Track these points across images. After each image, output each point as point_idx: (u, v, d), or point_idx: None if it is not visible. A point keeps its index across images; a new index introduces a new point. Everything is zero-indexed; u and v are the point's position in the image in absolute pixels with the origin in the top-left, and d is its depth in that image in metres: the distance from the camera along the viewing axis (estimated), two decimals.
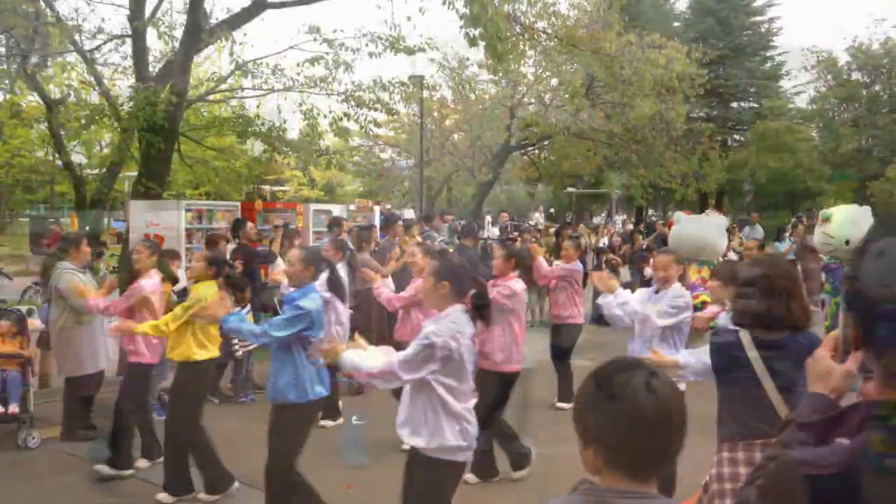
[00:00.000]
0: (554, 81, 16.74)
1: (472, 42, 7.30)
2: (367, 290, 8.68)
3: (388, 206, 24.83)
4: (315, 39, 11.28)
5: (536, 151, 23.58)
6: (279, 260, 8.93)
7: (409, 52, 11.28)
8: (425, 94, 26.96)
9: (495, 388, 6.06)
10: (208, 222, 11.50)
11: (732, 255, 14.81)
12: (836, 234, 8.46)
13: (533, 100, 19.74)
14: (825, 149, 42.29)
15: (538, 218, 29.77)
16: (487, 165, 21.79)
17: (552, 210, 44.55)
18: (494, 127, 19.31)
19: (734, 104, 49.35)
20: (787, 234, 15.31)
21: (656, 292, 5.85)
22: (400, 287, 9.04)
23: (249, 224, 8.80)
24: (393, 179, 29.11)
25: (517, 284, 6.38)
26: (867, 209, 8.94)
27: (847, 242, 8.05)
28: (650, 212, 55.25)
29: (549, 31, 10.78)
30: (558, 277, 8.70)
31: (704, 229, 9.72)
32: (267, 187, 37.07)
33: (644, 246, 13.69)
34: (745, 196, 40.83)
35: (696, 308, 10.72)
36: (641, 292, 6.14)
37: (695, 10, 48.73)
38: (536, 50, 12.28)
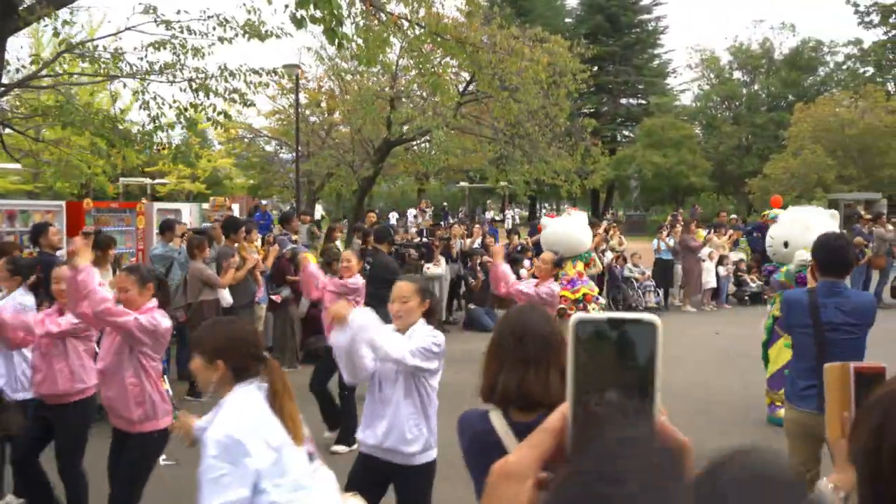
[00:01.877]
0: (413, 73, 16.08)
1: (299, 24, 6.48)
2: (200, 303, 7.75)
3: (264, 203, 23.67)
4: (155, 21, 10.18)
5: (422, 146, 22.83)
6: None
7: (262, 37, 10.34)
8: (311, 85, 26.09)
9: None
10: (24, 225, 10.16)
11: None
12: (775, 234, 7.65)
13: (413, 92, 19.00)
14: (708, 145, 43.49)
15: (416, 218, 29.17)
16: (369, 160, 20.92)
17: (445, 205, 44.16)
18: (373, 120, 18.45)
19: (623, 101, 50.27)
20: (666, 232, 15.10)
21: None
22: (239, 297, 8.15)
23: (52, 228, 7.68)
24: (274, 173, 27.87)
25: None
26: (817, 209, 8.09)
27: (786, 244, 7.24)
28: (545, 207, 55.76)
29: (412, 17, 10.07)
30: (332, 294, 6.84)
31: (570, 227, 10.10)
32: (146, 181, 35.27)
33: (519, 247, 13.21)
34: (632, 191, 41.49)
35: (576, 301, 10.54)
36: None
37: (585, 8, 49.33)
38: (400, 38, 11.52)
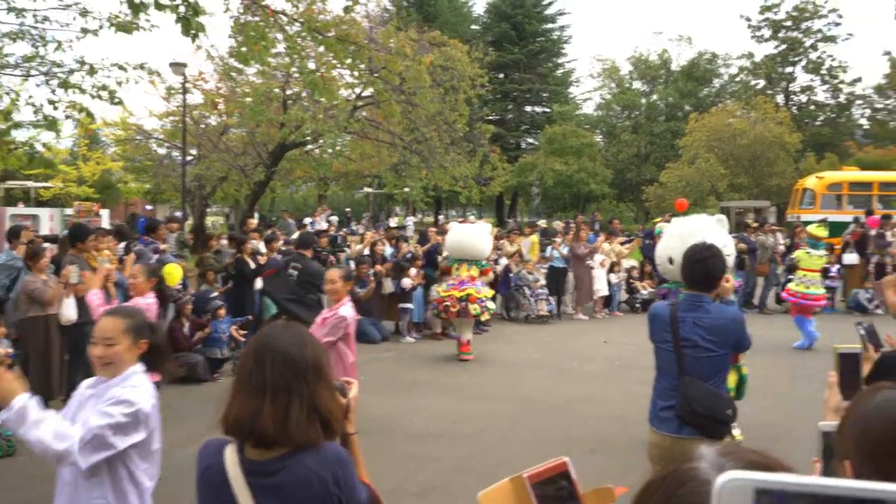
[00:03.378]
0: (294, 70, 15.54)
1: (137, 10, 5.91)
2: (34, 319, 7.01)
3: (149, 207, 22.59)
4: (6, 10, 9.33)
5: (318, 150, 22.19)
6: None
7: (127, 30, 9.61)
8: (209, 85, 25.05)
9: None
10: None
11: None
12: (660, 251, 7.07)
13: (305, 94, 18.38)
14: (608, 154, 44.32)
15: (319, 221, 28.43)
16: (262, 164, 20.16)
17: (348, 210, 43.51)
18: (266, 122, 17.75)
19: (528, 108, 50.74)
20: (561, 240, 15.00)
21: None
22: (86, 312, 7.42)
23: None
24: (164, 177, 26.66)
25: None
26: (701, 218, 7.59)
27: (671, 261, 6.62)
28: (452, 213, 55.69)
29: (292, 13, 9.55)
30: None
31: (471, 234, 10.81)
32: (30, 184, 33.27)
33: (409, 254, 12.81)
34: (534, 198, 41.82)
35: (460, 300, 10.40)
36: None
37: (491, 15, 49.60)
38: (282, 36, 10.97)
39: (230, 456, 2.07)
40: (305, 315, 8.84)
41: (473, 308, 10.28)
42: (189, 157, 23.05)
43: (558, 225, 20.40)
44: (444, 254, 12.05)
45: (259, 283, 10.56)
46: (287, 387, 2.05)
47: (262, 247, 11.22)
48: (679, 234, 6.79)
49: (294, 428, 2.02)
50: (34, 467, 5.57)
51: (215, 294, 10.15)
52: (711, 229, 6.67)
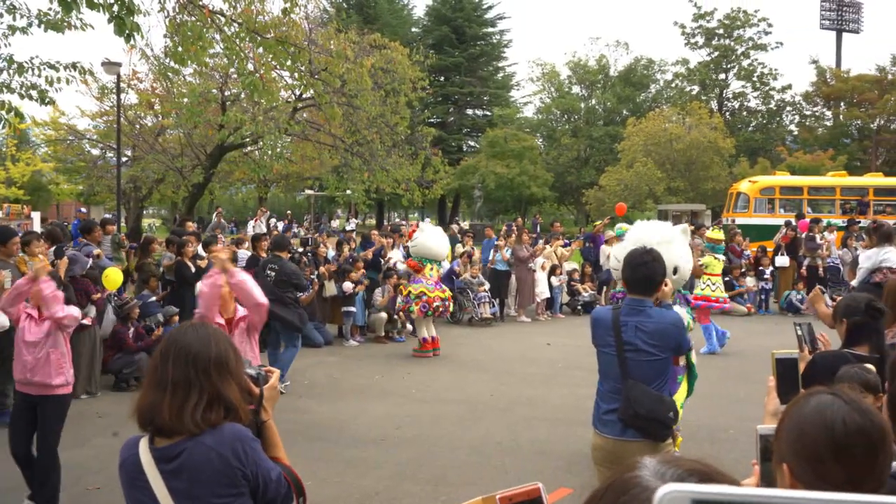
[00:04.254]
0: (232, 70, 15.31)
1: (68, 8, 5.72)
2: None
3: (83, 209, 21.97)
4: None
5: (259, 152, 21.88)
6: None
7: (58, 28, 9.32)
8: (144, 85, 24.49)
9: None
10: None
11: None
12: (619, 254, 6.43)
13: (244, 95, 18.11)
14: (548, 157, 44.81)
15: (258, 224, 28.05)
16: (201, 165, 19.80)
17: (288, 213, 43.05)
18: (202, 123, 17.43)
19: (469, 111, 51.00)
20: (503, 243, 15.07)
21: None
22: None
23: None
24: (98, 178, 25.96)
25: None
26: (664, 225, 6.90)
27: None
28: (394, 215, 55.58)
29: (229, 14, 9.39)
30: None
31: (440, 235, 11.53)
32: None
33: (350, 259, 12.72)
34: (476, 201, 42.02)
35: (444, 300, 10.92)
36: None
37: (432, 19, 49.69)
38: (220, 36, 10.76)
39: (143, 446, 2.24)
40: (285, 314, 9.05)
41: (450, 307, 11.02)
42: (124, 159, 22.51)
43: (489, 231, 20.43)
44: (411, 248, 11.84)
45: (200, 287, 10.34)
46: (187, 381, 2.21)
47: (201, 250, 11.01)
48: (636, 241, 6.41)
49: (189, 418, 2.18)
50: None
51: (153, 299, 9.92)
52: (678, 241, 6.25)
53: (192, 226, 11.99)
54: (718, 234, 12.67)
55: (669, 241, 5.90)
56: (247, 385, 2.39)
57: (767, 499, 0.69)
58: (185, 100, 17.32)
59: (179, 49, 9.54)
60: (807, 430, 1.62)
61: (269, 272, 9.05)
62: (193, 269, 10.05)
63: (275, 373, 2.54)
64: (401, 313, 12.17)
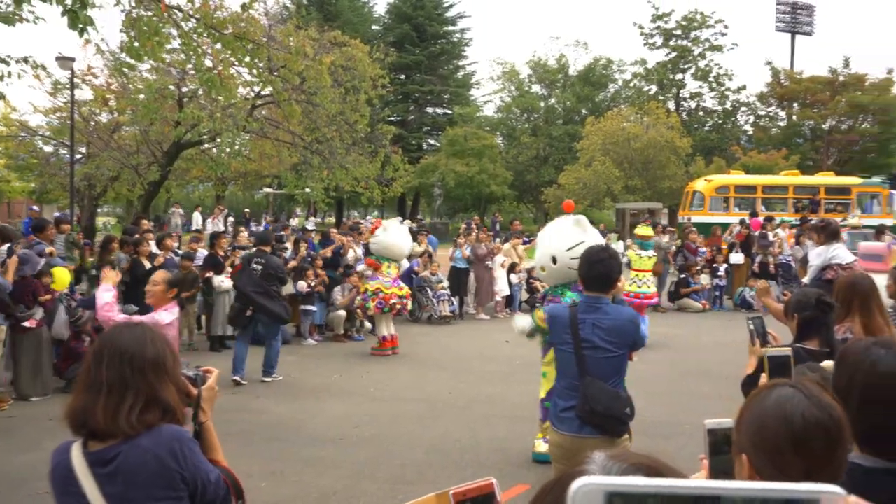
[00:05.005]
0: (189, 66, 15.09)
1: (19, 0, 5.60)
2: None
3: (35, 207, 21.49)
4: None
5: (216, 149, 21.57)
6: None
7: (8, 21, 9.10)
8: (99, 81, 23.95)
9: None
10: None
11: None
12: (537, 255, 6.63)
13: (202, 92, 17.84)
14: (508, 156, 44.99)
15: (216, 222, 27.76)
16: (157, 163, 19.48)
17: (246, 211, 42.61)
18: (159, 120, 17.14)
19: (429, 109, 50.95)
20: (463, 241, 15.10)
21: None
22: None
23: None
24: (51, 176, 25.37)
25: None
26: (565, 219, 6.88)
27: (554, 260, 6.18)
28: (354, 213, 55.35)
29: (187, 9, 9.26)
30: None
31: (406, 234, 11.48)
32: None
33: (309, 257, 12.63)
34: (435, 199, 42.03)
35: (401, 297, 10.94)
36: None
37: (392, 17, 49.52)
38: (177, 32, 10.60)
39: (76, 451, 2.16)
40: (272, 306, 9.31)
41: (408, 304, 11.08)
42: (78, 156, 22.04)
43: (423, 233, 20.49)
44: (372, 246, 11.68)
45: None
46: (123, 383, 2.15)
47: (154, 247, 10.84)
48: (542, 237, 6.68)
49: (124, 421, 2.11)
50: None
51: None
52: (566, 229, 6.42)
53: (146, 224, 11.80)
54: (647, 231, 12.80)
55: (559, 231, 6.27)
56: (185, 386, 2.34)
57: (678, 489, 0.71)
58: (142, 96, 17.01)
59: (136, 44, 9.40)
60: (767, 422, 1.65)
61: (255, 266, 9.29)
62: (149, 267, 9.90)
63: (213, 373, 2.49)
64: (359, 311, 12.13)
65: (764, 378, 2.26)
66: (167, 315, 5.09)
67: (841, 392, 2.05)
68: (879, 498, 1.57)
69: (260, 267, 9.25)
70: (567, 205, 19.22)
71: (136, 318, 4.95)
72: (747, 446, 1.66)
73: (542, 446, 6.07)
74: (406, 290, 11.53)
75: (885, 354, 2.02)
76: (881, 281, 4.88)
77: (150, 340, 2.26)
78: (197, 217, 31.15)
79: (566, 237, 6.22)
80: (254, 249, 9.92)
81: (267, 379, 9.29)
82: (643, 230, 12.78)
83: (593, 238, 6.30)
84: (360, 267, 12.27)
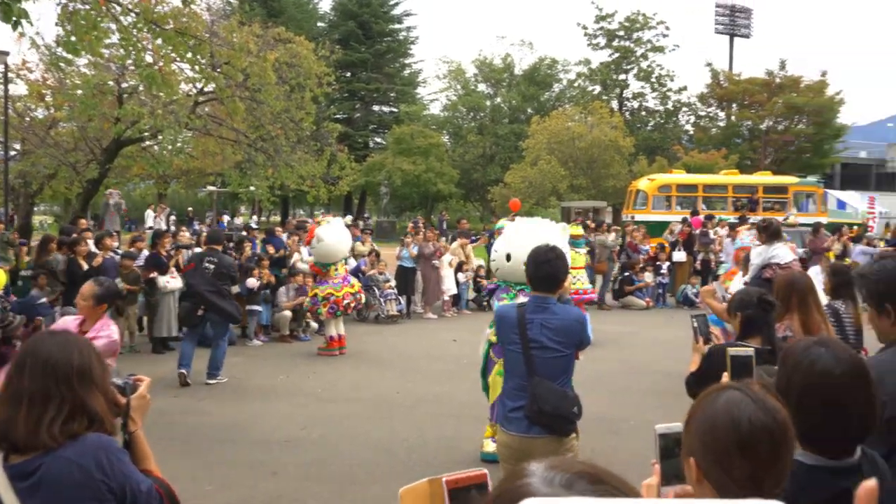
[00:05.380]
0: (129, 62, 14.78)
1: None
2: None
3: None
4: None
5: (158, 146, 21.12)
6: None
7: None
8: (34, 76, 23.22)
9: None
10: None
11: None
12: (499, 247, 6.53)
13: (142, 88, 17.45)
14: (455, 154, 45.07)
15: (158, 221, 27.22)
16: (96, 161, 18.99)
17: (189, 210, 41.91)
18: (97, 116, 16.70)
19: (376, 108, 50.73)
20: (410, 240, 15.09)
21: None
22: None
23: None
24: None
25: None
26: (544, 221, 7.04)
27: (508, 258, 6.18)
28: (299, 211, 54.81)
29: (126, 3, 9.05)
30: None
31: (332, 240, 10.93)
32: None
33: (255, 256, 12.46)
34: (382, 198, 41.91)
35: (316, 298, 10.68)
36: None
37: (338, 13, 49.14)
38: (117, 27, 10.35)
39: None
40: (225, 305, 9.25)
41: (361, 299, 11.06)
42: (12, 153, 21.38)
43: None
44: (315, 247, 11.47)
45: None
46: (45, 393, 2.07)
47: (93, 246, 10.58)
48: (518, 233, 6.46)
49: (45, 432, 2.03)
50: None
51: (44, 300, 9.46)
52: (555, 238, 6.06)
53: (84, 223, 11.49)
54: (577, 230, 12.99)
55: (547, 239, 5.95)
56: (113, 396, 2.26)
57: None
58: (80, 92, 16.57)
59: (73, 38, 9.16)
60: (715, 425, 1.68)
61: (207, 265, 9.27)
62: (86, 268, 9.65)
63: (144, 381, 2.41)
64: (308, 314, 12.03)
65: (726, 377, 2.30)
66: (115, 329, 5.00)
67: (782, 392, 2.11)
68: (821, 494, 1.63)
69: (212, 266, 9.24)
70: (513, 203, 19.34)
71: (105, 335, 4.81)
72: (696, 449, 1.69)
73: (490, 446, 6.10)
74: (357, 284, 11.47)
75: (823, 353, 2.06)
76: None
77: (75, 348, 2.19)
78: (149, 214, 30.83)
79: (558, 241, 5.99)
80: (205, 248, 9.86)
81: (211, 381, 9.14)
82: (573, 229, 12.95)
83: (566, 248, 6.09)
84: (305, 268, 12.16)
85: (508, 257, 6.18)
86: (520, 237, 6.24)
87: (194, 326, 9.41)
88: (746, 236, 8.92)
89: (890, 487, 1.95)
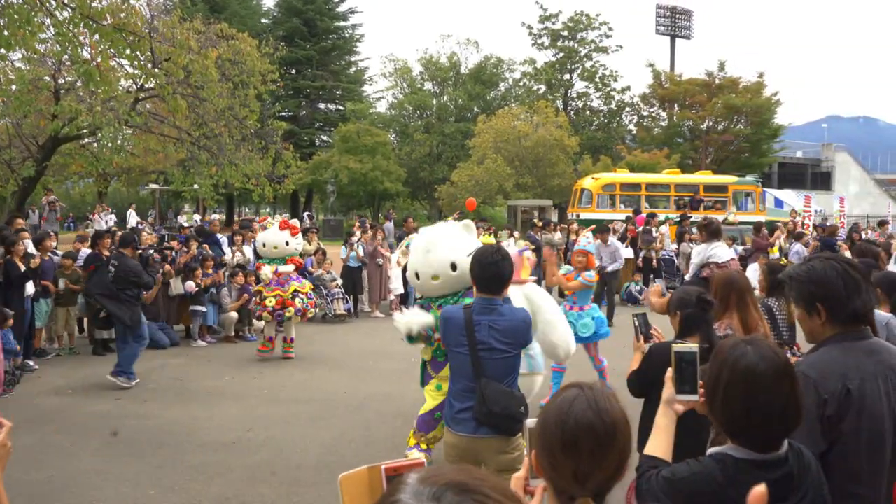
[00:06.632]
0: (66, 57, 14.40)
1: None
2: None
3: None
4: None
5: (97, 144, 20.59)
6: None
7: None
8: None
9: None
10: None
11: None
12: (408, 266, 6.27)
13: (79, 84, 16.98)
14: (401, 153, 45.00)
15: (108, 219, 26.63)
16: (32, 158, 18.45)
17: (133, 206, 40.99)
18: (33, 113, 16.21)
19: (321, 105, 50.32)
20: (356, 239, 15.01)
21: None
22: None
23: None
24: None
25: None
26: (450, 225, 6.77)
27: (417, 276, 5.99)
28: (245, 210, 54.09)
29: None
30: None
31: (277, 235, 10.74)
32: None
33: (200, 255, 12.28)
34: (329, 196, 41.62)
35: (260, 296, 10.54)
36: None
37: (282, 10, 48.58)
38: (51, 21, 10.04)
39: None
40: (119, 311, 9.05)
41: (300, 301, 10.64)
42: None
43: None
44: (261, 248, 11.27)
45: (31, 289, 9.72)
46: None
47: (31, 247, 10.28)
48: (423, 249, 6.02)
49: None
50: None
51: None
52: (458, 234, 6.15)
53: (21, 223, 11.16)
54: (488, 240, 13.08)
55: (448, 238, 6.00)
56: None
57: None
58: (14, 87, 16.07)
59: (6, 33, 8.89)
60: (546, 422, 1.77)
61: (110, 268, 9.23)
62: (23, 269, 9.37)
63: (4, 427, 2.17)
64: (265, 314, 11.81)
65: (670, 372, 2.37)
66: None
67: (711, 387, 2.19)
68: (748, 486, 1.70)
69: (114, 269, 9.18)
70: (470, 203, 19.38)
71: None
72: (535, 443, 1.79)
73: (415, 454, 5.83)
74: (308, 285, 11.23)
75: (749, 351, 2.13)
76: None
77: None
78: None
79: (462, 243, 5.85)
80: (114, 251, 9.70)
81: (112, 378, 8.89)
82: (485, 238, 13.02)
83: (477, 243, 5.93)
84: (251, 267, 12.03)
85: (417, 276, 6.03)
86: (424, 253, 5.94)
87: (110, 328, 9.62)
88: (584, 239, 8.94)
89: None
